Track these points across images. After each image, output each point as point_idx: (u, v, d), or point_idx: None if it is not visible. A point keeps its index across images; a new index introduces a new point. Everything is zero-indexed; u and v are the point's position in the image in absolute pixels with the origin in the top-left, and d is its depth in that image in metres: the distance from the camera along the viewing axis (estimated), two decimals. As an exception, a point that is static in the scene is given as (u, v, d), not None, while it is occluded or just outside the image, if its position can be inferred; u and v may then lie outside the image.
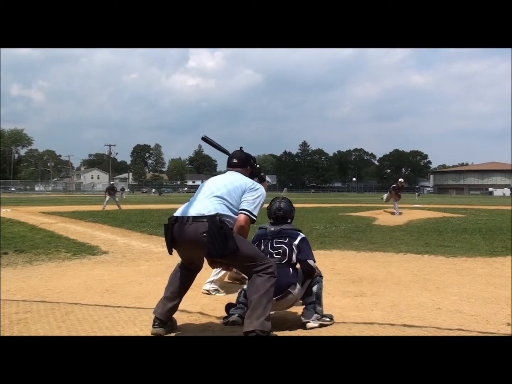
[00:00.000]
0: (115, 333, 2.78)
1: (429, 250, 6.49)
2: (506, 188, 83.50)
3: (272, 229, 3.13)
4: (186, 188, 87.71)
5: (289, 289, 2.94)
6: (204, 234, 2.51)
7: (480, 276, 4.71)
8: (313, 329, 2.90)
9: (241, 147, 3.10)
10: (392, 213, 14.26)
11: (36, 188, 73.51)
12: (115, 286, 4.12)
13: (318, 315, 2.97)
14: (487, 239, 7.80)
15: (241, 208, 2.70)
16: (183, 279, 2.89)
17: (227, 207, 2.65)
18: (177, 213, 2.69)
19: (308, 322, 2.94)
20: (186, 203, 2.76)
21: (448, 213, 15.50)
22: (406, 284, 4.31)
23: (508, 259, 5.78)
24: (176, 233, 2.63)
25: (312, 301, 2.99)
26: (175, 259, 5.73)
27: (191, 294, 3.77)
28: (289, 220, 3.26)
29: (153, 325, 2.81)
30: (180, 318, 3.13)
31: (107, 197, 18.51)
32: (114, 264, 5.38)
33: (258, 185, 2.84)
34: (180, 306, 3.35)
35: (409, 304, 3.51)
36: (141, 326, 2.94)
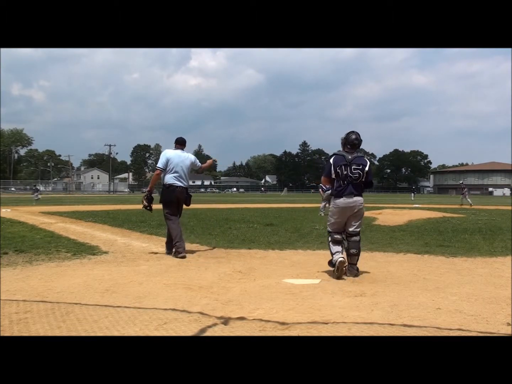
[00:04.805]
0: (115, 333, 2.77)
1: (429, 250, 6.48)
2: (506, 188, 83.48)
3: (350, 157, 4.61)
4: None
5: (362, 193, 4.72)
6: (186, 195, 6.07)
7: (480, 276, 4.71)
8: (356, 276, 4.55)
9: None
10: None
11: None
12: (115, 286, 4.12)
13: (356, 272, 4.65)
14: (487, 239, 7.80)
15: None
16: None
17: (187, 179, 6.20)
18: (176, 183, 5.96)
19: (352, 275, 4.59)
20: (174, 177, 5.96)
21: (448, 213, 15.48)
22: (406, 284, 4.30)
23: (508, 259, 5.78)
24: (178, 193, 5.96)
25: (354, 262, 4.67)
26: (175, 259, 5.81)
27: (191, 294, 3.77)
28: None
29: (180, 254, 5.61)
30: (180, 318, 3.13)
31: None
32: (114, 264, 5.38)
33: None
34: (180, 306, 3.36)
35: (409, 304, 3.51)
36: (141, 326, 2.94)
